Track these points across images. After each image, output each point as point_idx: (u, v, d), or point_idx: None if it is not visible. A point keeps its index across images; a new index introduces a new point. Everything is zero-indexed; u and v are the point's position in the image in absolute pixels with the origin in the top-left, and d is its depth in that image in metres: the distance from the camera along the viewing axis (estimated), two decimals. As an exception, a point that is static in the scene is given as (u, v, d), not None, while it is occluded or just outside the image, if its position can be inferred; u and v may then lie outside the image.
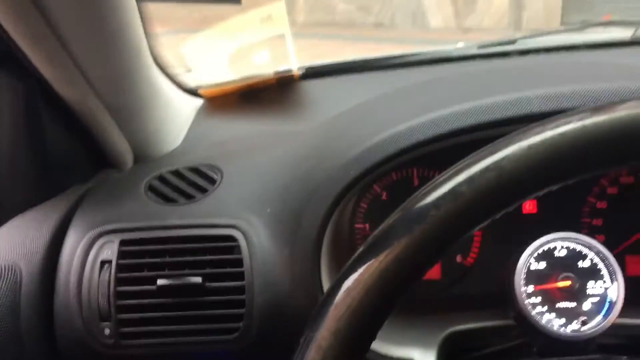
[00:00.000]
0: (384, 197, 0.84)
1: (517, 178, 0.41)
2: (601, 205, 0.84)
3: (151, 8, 0.80)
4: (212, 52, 1.07)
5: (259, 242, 0.67)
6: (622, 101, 0.41)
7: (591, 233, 0.84)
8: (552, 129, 0.41)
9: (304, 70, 1.13)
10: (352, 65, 1.18)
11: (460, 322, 0.74)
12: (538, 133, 0.41)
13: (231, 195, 0.72)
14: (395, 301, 0.42)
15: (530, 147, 0.40)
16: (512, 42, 1.26)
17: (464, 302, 0.82)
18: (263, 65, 1.17)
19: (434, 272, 0.86)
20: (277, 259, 0.66)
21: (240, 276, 0.65)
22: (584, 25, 1.36)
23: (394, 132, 0.65)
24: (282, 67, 1.12)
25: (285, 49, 1.16)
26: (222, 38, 1.03)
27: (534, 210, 0.85)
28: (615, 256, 0.83)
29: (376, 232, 0.42)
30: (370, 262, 0.40)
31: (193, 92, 1.07)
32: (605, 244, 0.83)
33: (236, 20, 1.03)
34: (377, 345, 0.68)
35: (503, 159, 0.40)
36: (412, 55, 1.21)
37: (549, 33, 1.36)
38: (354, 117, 0.76)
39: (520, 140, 0.41)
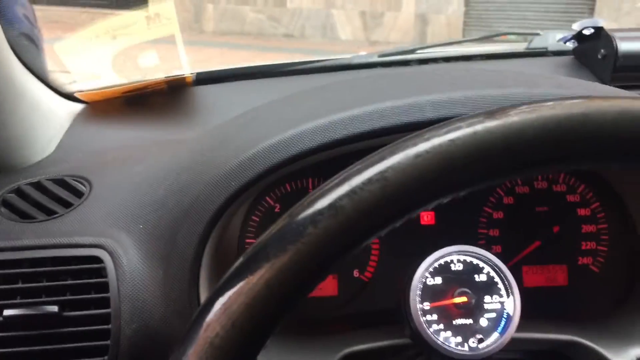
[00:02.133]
0: (277, 209, 0.78)
1: (403, 190, 0.36)
2: (498, 215, 0.83)
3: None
4: (92, 53, 0.97)
5: (128, 263, 0.59)
6: (514, 106, 0.38)
7: (488, 244, 0.82)
8: (441, 135, 0.37)
9: (196, 75, 1.06)
10: (248, 71, 1.13)
11: (356, 342, 0.70)
12: (426, 140, 0.37)
13: (99, 211, 0.63)
14: (274, 324, 0.36)
15: (417, 156, 0.36)
16: (412, 51, 1.25)
17: (362, 320, 0.78)
18: (151, 68, 1.09)
19: (330, 289, 0.81)
20: (149, 281, 0.58)
21: (105, 303, 0.57)
22: (483, 38, 1.38)
23: (280, 139, 0.60)
24: (173, 71, 1.05)
25: (176, 52, 1.08)
26: (103, 38, 0.94)
27: (432, 222, 0.82)
28: (512, 267, 0.82)
29: (249, 249, 0.36)
30: (241, 284, 0.35)
31: (72, 97, 0.97)
32: (503, 254, 0.82)
33: (118, 19, 0.94)
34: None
35: (387, 169, 0.36)
36: (312, 62, 1.17)
37: (448, 44, 1.37)
38: (242, 124, 0.70)
39: (406, 148, 0.37)
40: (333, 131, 0.59)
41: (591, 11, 6.51)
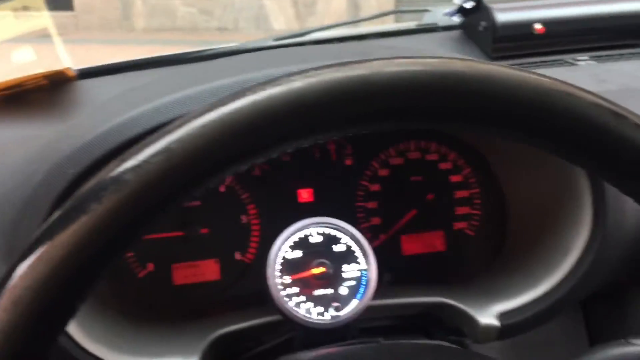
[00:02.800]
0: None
1: (188, 160, 0.36)
2: (374, 188, 0.84)
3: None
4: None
5: None
6: (301, 71, 0.39)
7: (367, 216, 0.84)
8: (227, 104, 0.37)
9: (80, 70, 1.04)
10: (139, 63, 1.11)
11: (230, 323, 0.70)
12: (212, 109, 0.37)
13: None
14: (62, 306, 0.35)
15: (203, 126, 0.36)
16: (307, 33, 1.26)
17: (243, 302, 0.79)
18: (28, 65, 1.06)
19: (212, 273, 0.81)
20: None
21: None
22: (376, 16, 1.39)
23: (118, 122, 0.60)
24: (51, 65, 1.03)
25: (53, 45, 1.06)
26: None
27: (311, 199, 0.83)
28: (391, 237, 0.84)
29: (38, 230, 0.36)
30: (24, 264, 0.34)
31: None
32: (381, 225, 0.84)
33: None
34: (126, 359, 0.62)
35: (173, 141, 0.36)
36: (206, 50, 1.17)
37: (343, 24, 1.38)
38: (97, 111, 0.69)
39: (192, 118, 0.37)
40: (166, 112, 0.59)
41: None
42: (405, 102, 0.38)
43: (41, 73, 0.98)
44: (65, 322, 0.35)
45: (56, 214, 0.35)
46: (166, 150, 0.35)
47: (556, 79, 0.38)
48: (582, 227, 0.70)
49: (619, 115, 0.37)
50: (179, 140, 0.36)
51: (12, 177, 0.62)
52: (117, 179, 0.35)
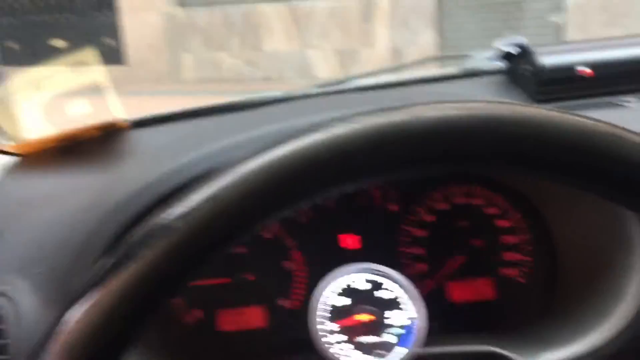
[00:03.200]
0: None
1: (232, 208, 0.37)
2: (419, 233, 0.84)
3: None
4: (18, 108, 0.99)
5: (26, 309, 0.60)
6: (341, 119, 0.40)
7: (412, 262, 0.83)
8: (270, 152, 0.38)
9: (134, 121, 1.08)
10: (189, 113, 1.15)
11: (277, 371, 0.70)
12: (257, 157, 0.38)
13: (3, 257, 0.64)
14: (121, 347, 0.36)
15: (249, 173, 0.37)
16: (347, 80, 1.28)
17: (290, 349, 0.78)
18: (84, 117, 1.10)
19: (258, 319, 0.81)
20: (45, 326, 0.58)
21: (4, 350, 0.58)
22: (415, 63, 1.40)
23: (167, 169, 0.62)
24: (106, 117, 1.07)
25: (106, 98, 1.10)
26: (27, 89, 0.96)
27: (355, 245, 0.83)
28: (439, 283, 0.83)
29: (91, 276, 0.37)
30: (77, 313, 0.35)
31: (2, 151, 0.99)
32: (427, 272, 0.83)
33: (39, 71, 0.97)
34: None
35: (221, 188, 0.37)
36: (253, 99, 1.20)
37: (383, 71, 1.40)
38: (147, 160, 0.71)
39: (238, 166, 0.38)
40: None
41: (561, 34, 6.64)
42: (447, 146, 0.38)
43: (95, 125, 1.02)
44: None
45: (108, 261, 0.36)
46: (213, 198, 0.36)
47: (600, 120, 0.37)
48: (635, 272, 0.67)
49: None
50: (225, 188, 0.37)
51: (65, 226, 0.64)
52: (166, 226, 0.36)
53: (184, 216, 0.36)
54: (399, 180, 0.84)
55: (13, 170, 0.96)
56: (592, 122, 0.37)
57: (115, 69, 7.41)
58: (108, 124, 1.03)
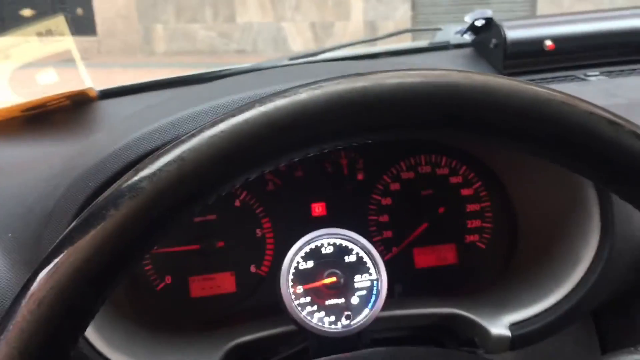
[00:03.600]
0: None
1: (198, 168, 0.38)
2: (386, 202, 0.86)
3: None
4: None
5: None
6: (307, 84, 0.41)
7: (379, 229, 0.86)
8: (236, 115, 0.39)
9: (100, 91, 1.07)
10: (157, 84, 1.15)
11: (245, 334, 0.72)
12: (222, 121, 0.39)
13: None
14: (82, 309, 0.38)
15: (212, 136, 0.39)
16: (319, 52, 1.29)
17: (257, 314, 0.80)
18: (51, 87, 1.10)
19: (228, 285, 0.83)
20: (15, 289, 0.59)
21: None
22: (388, 35, 1.42)
23: (135, 137, 0.62)
24: (74, 86, 1.06)
25: (75, 69, 1.10)
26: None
27: (324, 213, 0.85)
28: (403, 250, 0.85)
29: (60, 236, 0.38)
30: (48, 268, 0.36)
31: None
32: (393, 239, 0.85)
33: (6, 40, 0.96)
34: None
35: (185, 150, 0.38)
36: (223, 70, 1.20)
37: (356, 43, 1.41)
38: (115, 128, 0.72)
39: (204, 129, 0.39)
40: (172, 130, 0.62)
41: (533, 9, 6.69)
42: (406, 111, 0.40)
43: (64, 93, 1.02)
44: (85, 323, 0.37)
45: (77, 221, 0.37)
46: (179, 159, 0.38)
47: (552, 89, 0.39)
48: (591, 237, 0.71)
49: (613, 123, 0.38)
50: (191, 150, 0.38)
51: (35, 192, 0.65)
52: (133, 187, 0.37)
53: (150, 176, 0.37)
54: (365, 149, 0.86)
55: (-21, 138, 0.96)
56: (545, 90, 0.39)
57: (85, 39, 7.25)
58: (77, 92, 1.03)
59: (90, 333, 0.62)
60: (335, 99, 0.40)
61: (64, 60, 1.18)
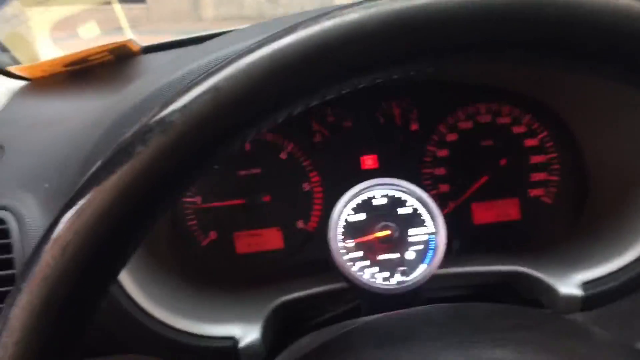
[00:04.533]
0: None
1: (235, 98, 0.33)
2: (442, 153, 0.80)
3: None
4: (28, 26, 0.96)
5: (32, 223, 0.58)
6: (356, 4, 0.35)
7: (434, 183, 0.80)
8: (277, 39, 0.34)
9: (142, 47, 1.04)
10: (207, 37, 1.11)
11: (293, 290, 0.68)
12: (262, 45, 0.34)
13: (7, 174, 0.62)
14: (108, 255, 0.34)
15: (252, 63, 0.34)
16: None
17: (306, 270, 0.76)
18: (93, 40, 1.07)
19: (275, 241, 0.79)
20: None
21: (9, 264, 0.56)
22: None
23: (170, 79, 0.58)
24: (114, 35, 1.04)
25: (115, 18, 1.07)
26: (37, 11, 0.92)
27: (375, 165, 0.80)
28: (461, 205, 0.79)
29: (87, 175, 0.34)
30: (71, 211, 0.32)
31: (11, 74, 0.96)
32: (450, 193, 0.80)
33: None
34: (189, 325, 0.61)
35: (221, 79, 0.33)
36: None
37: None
38: (151, 75, 0.68)
39: (242, 55, 0.34)
40: None
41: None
42: (479, 30, 0.34)
43: (106, 46, 0.99)
44: (114, 272, 0.33)
45: (103, 160, 0.33)
46: (213, 89, 0.33)
47: None
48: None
49: None
50: (227, 78, 0.33)
51: (71, 142, 0.62)
52: (163, 121, 0.32)
53: (181, 109, 0.32)
54: (420, 97, 0.80)
55: (22, 93, 0.94)
56: None
57: (134, 7, 7.30)
58: (119, 45, 1.00)
59: (132, 287, 0.59)
60: (390, 18, 0.34)
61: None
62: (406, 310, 0.46)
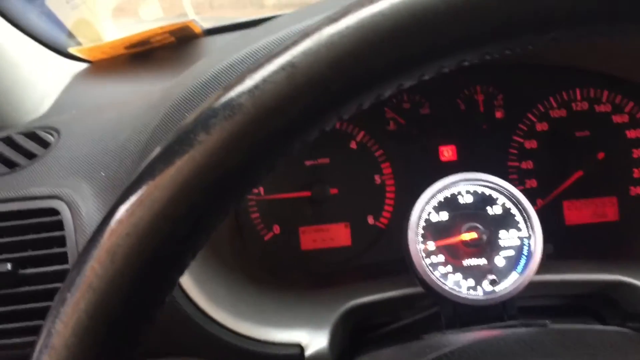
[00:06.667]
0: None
1: (314, 78, 0.27)
2: (530, 145, 0.72)
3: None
4: (91, 10, 0.93)
5: (87, 213, 0.54)
6: None
7: (521, 178, 0.72)
8: (365, 5, 0.28)
9: (204, 27, 1.00)
10: (269, 18, 1.06)
11: (364, 294, 0.62)
12: (348, 13, 0.28)
13: (62, 160, 0.58)
14: (166, 261, 0.28)
15: (334, 35, 0.27)
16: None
17: (377, 271, 0.70)
18: (154, 19, 1.04)
19: (342, 238, 0.73)
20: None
21: (63, 258, 0.52)
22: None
23: (235, 57, 0.53)
24: (176, 19, 1.00)
25: (178, 4, 1.03)
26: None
27: (454, 157, 0.73)
28: (551, 203, 0.71)
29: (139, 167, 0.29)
30: (123, 208, 0.27)
31: (73, 56, 0.94)
32: (539, 189, 0.72)
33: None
34: (252, 329, 0.55)
35: (298, 54, 0.27)
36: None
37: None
38: (213, 55, 0.63)
39: (323, 27, 0.28)
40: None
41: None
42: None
43: (167, 27, 0.95)
44: (172, 279, 0.28)
45: (160, 149, 0.28)
46: (288, 65, 0.27)
47: None
48: None
49: None
50: (305, 53, 0.27)
51: (129, 127, 0.58)
52: (229, 104, 0.26)
53: (251, 90, 0.26)
54: (506, 82, 0.72)
55: (82, 75, 0.91)
56: None
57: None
58: (181, 26, 0.95)
59: (191, 288, 0.54)
60: None
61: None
62: (505, 335, 0.39)
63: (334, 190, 0.73)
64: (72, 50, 0.89)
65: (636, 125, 0.71)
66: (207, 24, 1.00)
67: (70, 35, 1.00)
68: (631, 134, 0.71)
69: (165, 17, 1.10)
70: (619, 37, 0.28)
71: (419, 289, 0.59)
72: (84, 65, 0.95)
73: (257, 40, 0.55)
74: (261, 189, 0.73)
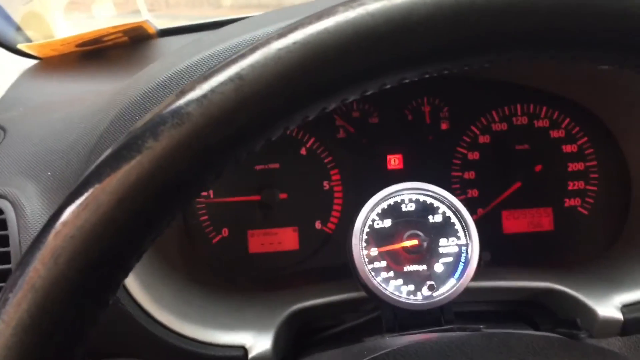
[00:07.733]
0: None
1: (261, 91, 0.28)
2: (473, 156, 0.75)
3: None
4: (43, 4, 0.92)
5: (32, 213, 0.53)
6: None
7: (463, 188, 0.75)
8: (312, 23, 0.29)
9: (158, 28, 1.00)
10: (223, 22, 1.06)
11: (308, 298, 0.63)
12: (294, 30, 0.29)
13: (7, 159, 0.58)
14: (106, 263, 0.29)
15: (282, 49, 0.28)
16: None
17: (322, 275, 0.72)
18: (107, 17, 1.03)
19: (290, 242, 0.74)
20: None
21: (5, 258, 0.52)
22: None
23: (186, 64, 0.54)
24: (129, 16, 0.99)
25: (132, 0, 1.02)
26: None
27: (400, 166, 0.75)
28: (490, 212, 0.74)
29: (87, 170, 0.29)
30: (68, 211, 0.28)
31: (22, 52, 0.92)
32: (480, 199, 0.74)
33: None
34: (196, 331, 0.56)
35: (246, 67, 0.28)
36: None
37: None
38: (165, 59, 0.63)
39: (272, 41, 0.29)
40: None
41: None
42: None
43: (120, 26, 0.94)
44: (115, 282, 0.29)
45: (107, 153, 0.28)
46: (236, 77, 0.28)
47: None
48: None
49: None
50: (253, 66, 0.28)
51: (78, 128, 0.57)
52: (178, 112, 0.27)
53: (199, 99, 0.27)
54: (451, 95, 0.75)
55: (30, 72, 0.90)
56: None
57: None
58: (134, 26, 0.95)
59: (136, 290, 0.54)
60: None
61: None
62: (440, 338, 0.41)
63: (283, 195, 0.74)
64: (22, 46, 0.87)
65: (572, 140, 0.74)
66: (162, 22, 1.00)
67: (19, 29, 0.98)
68: (567, 148, 0.74)
69: (118, 13, 1.09)
70: (542, 60, 0.30)
71: (362, 293, 0.61)
72: (32, 62, 0.94)
73: (210, 47, 0.55)
74: (211, 192, 0.73)
